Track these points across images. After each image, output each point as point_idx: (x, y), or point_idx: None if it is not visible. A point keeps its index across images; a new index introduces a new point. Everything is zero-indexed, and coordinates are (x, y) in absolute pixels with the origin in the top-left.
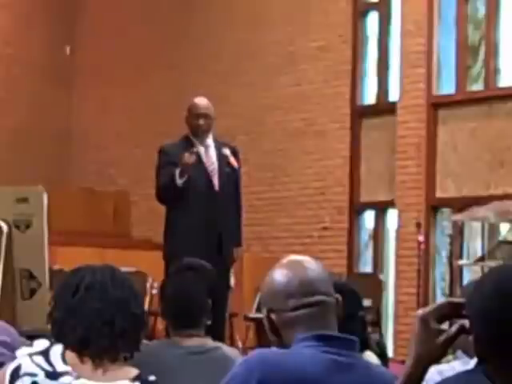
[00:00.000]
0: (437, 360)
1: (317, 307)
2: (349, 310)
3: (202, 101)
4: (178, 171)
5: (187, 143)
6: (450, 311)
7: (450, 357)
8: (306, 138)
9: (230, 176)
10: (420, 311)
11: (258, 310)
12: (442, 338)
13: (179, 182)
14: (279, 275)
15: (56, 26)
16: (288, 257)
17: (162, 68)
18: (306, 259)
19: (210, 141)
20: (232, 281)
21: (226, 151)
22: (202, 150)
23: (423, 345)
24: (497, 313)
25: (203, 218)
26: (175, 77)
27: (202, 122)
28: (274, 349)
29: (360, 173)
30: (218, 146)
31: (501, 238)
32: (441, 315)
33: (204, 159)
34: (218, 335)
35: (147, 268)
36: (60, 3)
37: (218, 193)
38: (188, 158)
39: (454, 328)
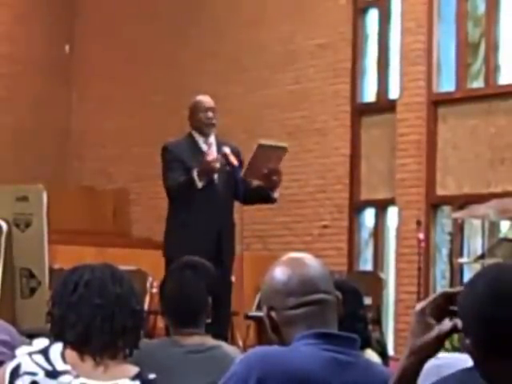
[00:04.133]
0: (431, 354)
1: (317, 305)
2: (350, 308)
3: (206, 97)
4: (195, 173)
5: (191, 141)
6: (444, 302)
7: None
8: (305, 135)
9: (230, 174)
10: (418, 306)
11: (259, 308)
12: (433, 333)
13: (199, 184)
14: (279, 273)
15: (55, 24)
16: (288, 254)
17: (161, 66)
18: (306, 256)
19: (212, 139)
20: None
21: (226, 149)
22: (205, 148)
23: (417, 339)
24: (489, 313)
25: (203, 216)
26: (174, 75)
27: (211, 114)
28: (273, 346)
29: (360, 171)
30: (220, 145)
31: (501, 236)
32: (437, 308)
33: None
34: (221, 334)
35: (147, 267)
36: (59, 1)
37: (218, 191)
38: (215, 160)
39: (447, 325)
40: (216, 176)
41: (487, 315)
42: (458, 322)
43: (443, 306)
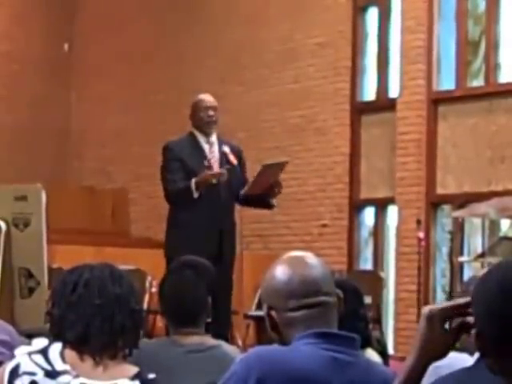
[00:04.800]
0: (438, 359)
1: (318, 308)
2: (350, 307)
3: (208, 96)
4: (193, 184)
5: (192, 140)
6: (455, 313)
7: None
8: (305, 134)
9: (231, 173)
10: (427, 309)
11: (258, 307)
12: (446, 338)
13: (196, 195)
14: (280, 273)
15: (54, 23)
16: (289, 253)
17: (160, 65)
18: (307, 256)
19: (214, 138)
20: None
21: (226, 148)
22: (206, 147)
23: (426, 343)
24: (500, 308)
25: (205, 216)
26: (174, 74)
27: (211, 112)
28: (273, 346)
29: (360, 169)
30: (221, 144)
31: (501, 235)
32: (446, 316)
33: (208, 156)
34: (221, 334)
35: (146, 266)
36: (58, 0)
37: (219, 191)
38: (212, 176)
39: (456, 328)
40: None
41: (498, 309)
42: (470, 320)
43: (453, 316)
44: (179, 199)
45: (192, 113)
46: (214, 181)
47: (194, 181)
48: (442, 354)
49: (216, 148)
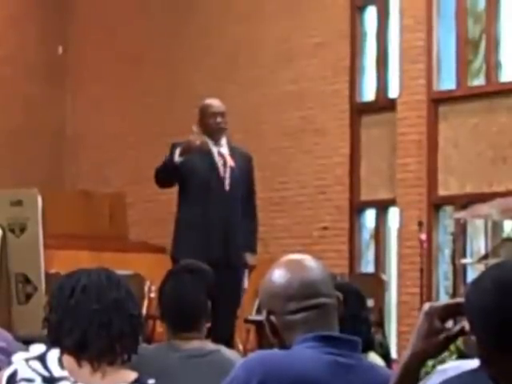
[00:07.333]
0: (432, 357)
1: (317, 309)
2: (352, 310)
3: (215, 100)
4: (178, 149)
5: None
6: (457, 312)
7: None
8: (304, 136)
9: (238, 175)
10: (427, 305)
11: (259, 312)
12: (441, 336)
13: (178, 159)
14: (278, 276)
15: (48, 25)
16: (288, 256)
17: (156, 67)
18: (306, 258)
19: (223, 142)
20: (246, 283)
21: (223, 149)
22: (215, 150)
23: (422, 339)
24: (494, 305)
25: (211, 217)
26: (170, 75)
27: (219, 119)
28: (274, 350)
29: (360, 171)
30: (232, 150)
31: (504, 236)
32: (447, 314)
33: (217, 159)
34: (224, 338)
35: (144, 271)
36: (52, 3)
37: (225, 192)
38: (194, 139)
39: (455, 329)
40: (227, 179)
41: (492, 306)
42: (466, 325)
43: (454, 314)
44: (163, 171)
45: (200, 118)
46: (198, 142)
47: (179, 147)
48: (434, 354)
49: (225, 151)
